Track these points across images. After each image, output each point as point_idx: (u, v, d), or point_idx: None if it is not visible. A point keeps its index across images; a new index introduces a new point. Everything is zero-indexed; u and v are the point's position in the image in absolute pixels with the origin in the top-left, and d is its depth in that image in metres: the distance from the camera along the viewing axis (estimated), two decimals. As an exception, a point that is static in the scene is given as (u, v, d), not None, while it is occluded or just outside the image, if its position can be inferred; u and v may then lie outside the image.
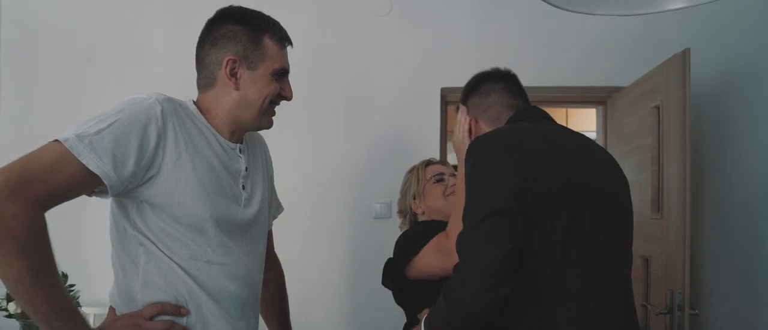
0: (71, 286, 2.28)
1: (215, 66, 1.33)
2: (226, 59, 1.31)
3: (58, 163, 1.08)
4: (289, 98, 1.41)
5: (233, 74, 1.32)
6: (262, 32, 1.34)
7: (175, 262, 1.23)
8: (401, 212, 1.99)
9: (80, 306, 2.30)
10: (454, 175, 1.91)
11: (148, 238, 1.22)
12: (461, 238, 1.19)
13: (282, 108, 1.44)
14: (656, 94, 2.28)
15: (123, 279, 1.25)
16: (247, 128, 1.39)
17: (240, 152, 1.38)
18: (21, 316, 2.22)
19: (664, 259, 2.20)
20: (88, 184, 1.13)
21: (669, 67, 2.18)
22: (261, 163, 1.49)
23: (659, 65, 2.25)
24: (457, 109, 1.61)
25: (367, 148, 2.81)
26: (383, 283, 1.81)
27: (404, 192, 1.96)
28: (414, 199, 1.91)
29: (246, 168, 1.39)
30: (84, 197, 3.21)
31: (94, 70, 2.93)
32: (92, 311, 2.65)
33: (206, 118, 1.33)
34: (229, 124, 1.35)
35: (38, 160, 1.08)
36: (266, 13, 1.41)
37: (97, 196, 1.22)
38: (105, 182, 1.13)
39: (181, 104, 1.29)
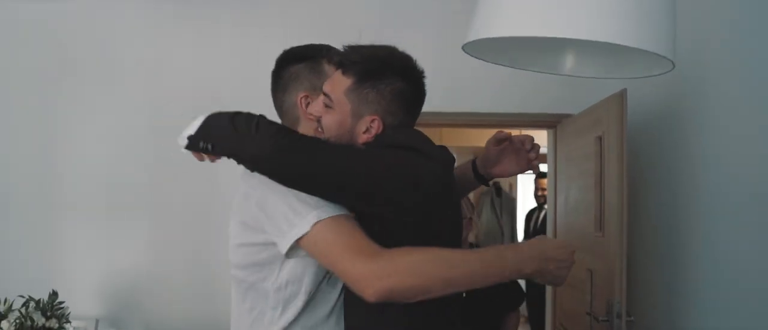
0: (61, 302, 2.40)
1: (293, 107, 1.40)
2: (300, 97, 1.39)
3: (338, 231, 1.17)
4: None
5: None
6: (319, 60, 1.41)
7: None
8: None
9: (69, 322, 2.43)
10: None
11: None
12: None
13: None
14: (599, 126, 2.57)
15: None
16: None
17: None
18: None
19: (605, 272, 2.49)
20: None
21: (609, 103, 2.46)
22: None
23: (601, 101, 2.53)
24: None
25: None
26: None
27: None
28: None
29: None
30: (65, 217, 3.27)
31: (63, 84, 3.04)
32: (77, 324, 2.77)
33: None
34: None
35: (340, 241, 1.16)
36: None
37: None
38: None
39: None
